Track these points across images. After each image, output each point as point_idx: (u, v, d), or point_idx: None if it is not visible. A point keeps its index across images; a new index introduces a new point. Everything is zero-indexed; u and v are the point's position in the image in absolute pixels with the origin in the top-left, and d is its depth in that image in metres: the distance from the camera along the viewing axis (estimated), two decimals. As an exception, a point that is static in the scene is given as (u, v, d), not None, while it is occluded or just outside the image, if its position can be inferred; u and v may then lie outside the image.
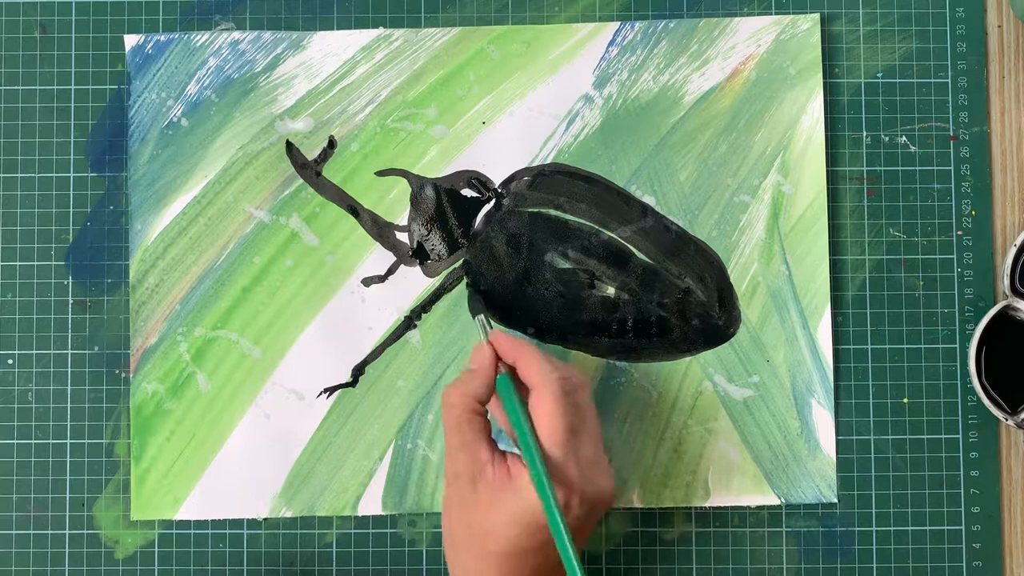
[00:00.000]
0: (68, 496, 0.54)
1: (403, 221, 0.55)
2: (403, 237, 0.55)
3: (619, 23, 0.56)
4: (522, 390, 0.47)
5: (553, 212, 0.55)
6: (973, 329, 0.54)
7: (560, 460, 0.44)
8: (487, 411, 0.47)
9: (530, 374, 0.46)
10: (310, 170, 0.56)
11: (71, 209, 0.56)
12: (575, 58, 0.56)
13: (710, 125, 0.56)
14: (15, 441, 0.55)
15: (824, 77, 0.56)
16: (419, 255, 0.55)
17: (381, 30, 0.56)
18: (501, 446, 0.47)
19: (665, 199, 0.55)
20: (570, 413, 0.45)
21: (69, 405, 0.55)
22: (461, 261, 0.55)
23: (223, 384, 0.55)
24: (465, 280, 0.54)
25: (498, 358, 0.48)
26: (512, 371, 0.48)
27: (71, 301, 0.55)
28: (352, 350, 0.55)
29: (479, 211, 0.55)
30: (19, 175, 0.56)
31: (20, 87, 0.56)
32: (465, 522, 0.45)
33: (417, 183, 0.55)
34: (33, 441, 0.55)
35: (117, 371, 0.55)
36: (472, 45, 0.56)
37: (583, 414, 0.46)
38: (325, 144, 0.56)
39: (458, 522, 0.46)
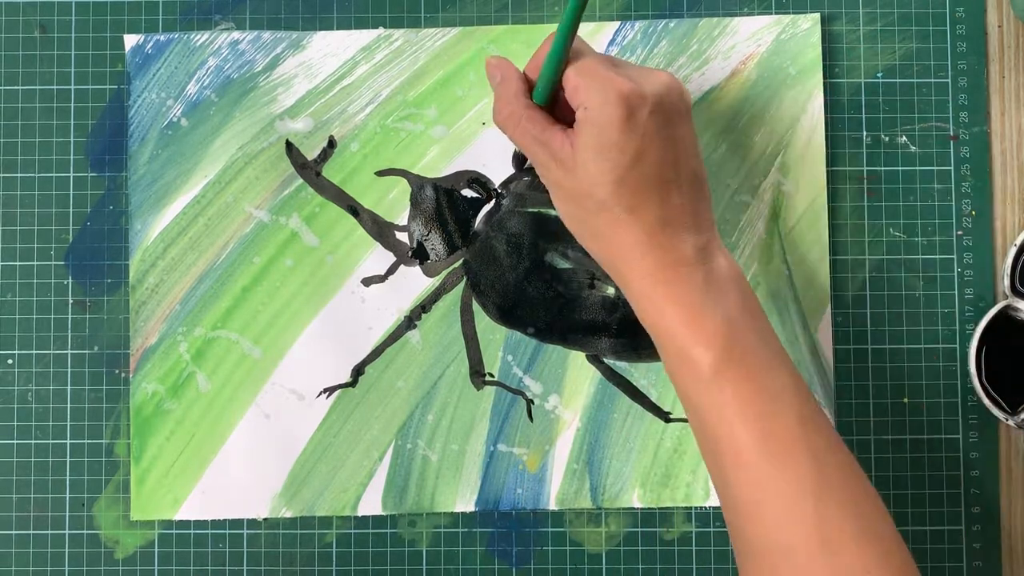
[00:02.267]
0: (68, 496, 0.54)
1: (403, 221, 0.55)
2: (403, 237, 0.55)
3: (619, 23, 0.56)
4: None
5: (553, 212, 0.55)
6: (973, 329, 0.54)
7: (607, 63, 0.46)
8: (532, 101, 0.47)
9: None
10: (310, 170, 0.56)
11: (71, 209, 0.56)
12: (575, 58, 0.56)
13: (710, 125, 0.56)
14: (15, 441, 0.55)
15: (824, 77, 0.56)
16: (419, 255, 0.55)
17: (381, 30, 0.56)
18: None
19: (665, 199, 0.55)
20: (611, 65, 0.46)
21: (69, 405, 0.55)
22: (461, 261, 0.55)
23: (223, 384, 0.55)
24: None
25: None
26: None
27: (71, 301, 0.55)
28: (352, 350, 0.55)
29: (479, 211, 0.55)
30: (19, 175, 0.56)
31: (20, 87, 0.56)
32: (572, 199, 0.46)
33: (417, 183, 0.55)
34: (33, 441, 0.55)
35: (117, 371, 0.55)
36: (472, 45, 0.56)
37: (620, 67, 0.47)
38: (325, 144, 0.56)
39: (570, 207, 0.46)
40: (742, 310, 0.45)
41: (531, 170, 0.55)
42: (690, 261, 0.45)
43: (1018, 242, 0.54)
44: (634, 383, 0.55)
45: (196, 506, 0.54)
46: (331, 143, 0.56)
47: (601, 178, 0.44)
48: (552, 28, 0.56)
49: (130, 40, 0.56)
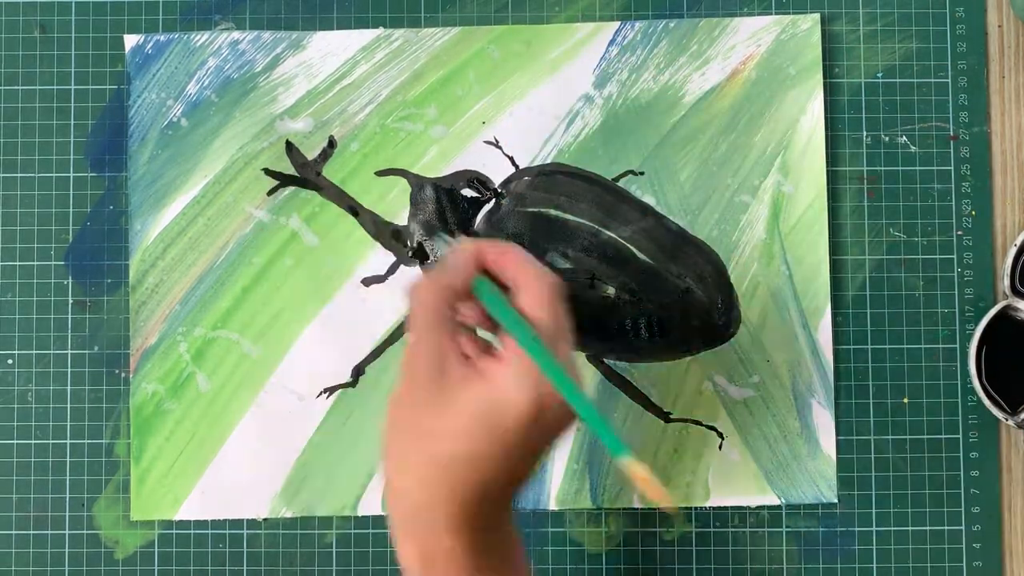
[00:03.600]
0: (68, 496, 0.54)
1: (403, 221, 0.55)
2: (403, 237, 0.55)
3: (619, 23, 0.56)
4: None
5: (553, 212, 0.55)
6: (973, 329, 0.54)
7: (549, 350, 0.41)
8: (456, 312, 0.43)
9: (518, 273, 0.43)
10: (310, 170, 0.56)
11: (71, 209, 0.56)
12: (575, 58, 0.56)
13: (710, 125, 0.56)
14: (15, 441, 0.55)
15: (824, 77, 0.56)
16: (419, 255, 0.55)
17: (381, 30, 0.56)
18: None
19: (665, 199, 0.55)
20: (559, 314, 0.42)
21: (69, 405, 0.55)
22: (461, 261, 0.55)
23: (223, 384, 0.55)
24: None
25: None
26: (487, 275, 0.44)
27: (71, 301, 0.55)
28: (352, 350, 0.55)
29: (479, 211, 0.55)
30: (19, 175, 0.56)
31: (20, 87, 0.56)
32: (416, 422, 0.41)
33: (417, 183, 0.55)
34: (33, 441, 0.55)
35: (117, 371, 0.55)
36: (472, 45, 0.56)
37: (563, 316, 0.43)
38: (325, 144, 0.56)
39: (406, 423, 0.41)
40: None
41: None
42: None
43: (1018, 242, 0.54)
44: (634, 383, 0.55)
45: (196, 506, 0.54)
46: (331, 143, 0.56)
47: (462, 428, 0.40)
48: (552, 28, 0.56)
49: (130, 40, 0.56)
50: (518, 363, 0.40)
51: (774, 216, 0.55)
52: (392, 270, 0.55)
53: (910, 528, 0.54)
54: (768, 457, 0.54)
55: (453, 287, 0.43)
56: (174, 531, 0.54)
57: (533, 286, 0.43)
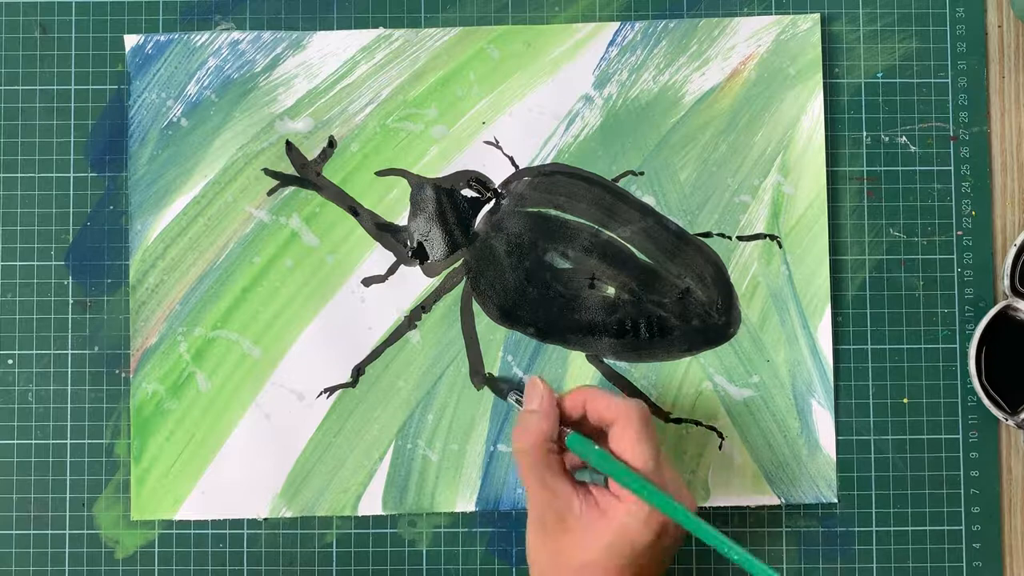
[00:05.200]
0: (68, 496, 0.54)
1: (403, 221, 0.55)
2: (403, 237, 0.55)
3: (619, 23, 0.56)
4: (590, 435, 0.49)
5: (553, 212, 0.55)
6: (973, 329, 0.54)
7: (656, 486, 0.46)
8: (558, 448, 0.48)
9: (604, 411, 0.48)
10: (310, 170, 0.56)
11: (71, 209, 0.56)
12: (575, 58, 0.56)
13: (710, 125, 0.56)
14: (15, 441, 0.55)
15: (824, 77, 0.56)
16: (419, 255, 0.55)
17: (381, 30, 0.56)
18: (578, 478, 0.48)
19: (665, 199, 0.55)
20: (652, 438, 0.47)
21: (69, 405, 0.55)
22: (461, 261, 0.55)
23: (223, 384, 0.55)
24: (491, 376, 0.55)
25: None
26: (572, 424, 0.49)
27: (71, 301, 0.55)
28: (352, 350, 0.55)
29: (479, 211, 0.55)
30: (19, 175, 0.56)
31: (20, 87, 0.56)
32: (556, 558, 0.46)
33: (417, 183, 0.56)
34: (33, 441, 0.55)
35: (117, 371, 0.55)
36: (472, 45, 0.56)
37: (655, 437, 0.47)
38: (325, 144, 0.56)
39: (548, 560, 0.47)
40: None
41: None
42: None
43: (1018, 242, 0.54)
44: (634, 383, 0.55)
45: (196, 506, 0.54)
46: (331, 143, 0.56)
47: (595, 560, 0.45)
48: (552, 28, 0.56)
49: (130, 40, 0.56)
50: (633, 501, 0.45)
51: (774, 216, 0.55)
52: (392, 270, 0.55)
53: (910, 528, 0.54)
54: (768, 457, 0.54)
55: (548, 434, 0.48)
56: (174, 531, 0.54)
57: (623, 422, 0.47)
